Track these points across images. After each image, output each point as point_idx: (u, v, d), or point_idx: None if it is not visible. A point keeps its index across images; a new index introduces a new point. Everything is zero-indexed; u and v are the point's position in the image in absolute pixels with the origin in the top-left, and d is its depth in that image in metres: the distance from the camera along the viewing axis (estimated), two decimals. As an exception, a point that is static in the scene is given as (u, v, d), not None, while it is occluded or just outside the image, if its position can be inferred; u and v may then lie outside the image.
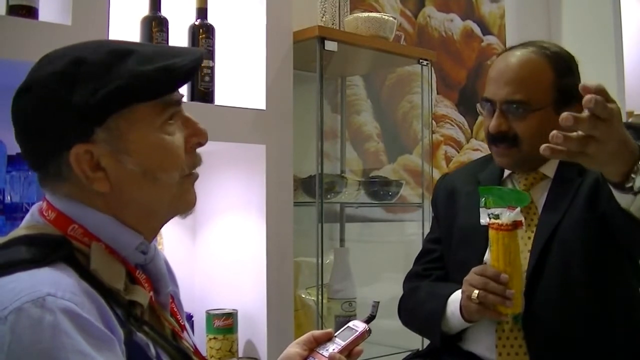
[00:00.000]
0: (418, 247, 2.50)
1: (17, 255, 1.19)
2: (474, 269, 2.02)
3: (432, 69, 3.37)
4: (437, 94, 4.03)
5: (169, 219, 1.41)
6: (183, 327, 1.49)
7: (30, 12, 2.07)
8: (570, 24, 4.74)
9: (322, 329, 2.72)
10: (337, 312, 2.94)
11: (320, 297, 2.83)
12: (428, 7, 4.04)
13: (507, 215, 1.94)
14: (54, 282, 1.12)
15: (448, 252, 2.32)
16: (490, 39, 4.44)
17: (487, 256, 2.03)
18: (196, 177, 1.42)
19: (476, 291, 1.97)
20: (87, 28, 2.11)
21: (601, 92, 1.48)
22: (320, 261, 2.81)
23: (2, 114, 2.15)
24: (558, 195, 2.13)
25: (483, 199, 2.03)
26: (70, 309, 1.09)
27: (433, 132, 3.76)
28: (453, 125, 4.14)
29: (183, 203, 1.39)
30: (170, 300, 1.48)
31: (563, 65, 2.15)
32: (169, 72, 1.29)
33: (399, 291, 2.40)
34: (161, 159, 1.31)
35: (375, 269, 3.51)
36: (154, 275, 1.40)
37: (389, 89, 3.78)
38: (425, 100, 3.39)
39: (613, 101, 1.52)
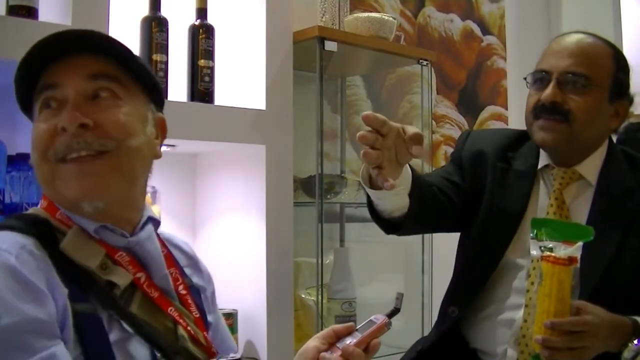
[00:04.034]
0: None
1: (5, 222, 1.38)
2: None
3: (432, 69, 3.37)
4: (437, 94, 4.03)
5: (80, 207, 1.41)
6: (198, 320, 1.53)
7: (30, 12, 2.07)
8: (570, 24, 4.73)
9: (321, 329, 2.72)
10: (337, 312, 2.93)
11: (320, 297, 2.83)
12: (428, 7, 4.04)
13: (564, 250, 1.81)
14: (4, 239, 1.29)
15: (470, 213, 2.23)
16: (490, 39, 4.44)
17: (535, 289, 1.92)
18: (69, 168, 1.38)
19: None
20: (87, 28, 2.11)
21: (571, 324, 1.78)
22: (320, 261, 2.81)
23: (2, 114, 2.16)
24: (606, 216, 2.05)
25: (534, 231, 1.88)
26: (5, 258, 1.24)
27: (433, 132, 3.76)
28: (453, 126, 4.14)
29: (61, 191, 1.40)
30: (185, 292, 1.55)
31: (623, 60, 2.14)
32: (17, 72, 1.42)
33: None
34: (31, 141, 1.42)
35: (375, 269, 3.51)
36: (142, 258, 1.46)
37: (389, 89, 3.78)
38: (425, 101, 3.38)
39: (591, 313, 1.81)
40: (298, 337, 2.73)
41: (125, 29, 2.40)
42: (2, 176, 2.05)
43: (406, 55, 3.33)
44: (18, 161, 2.09)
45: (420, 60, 3.31)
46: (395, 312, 1.54)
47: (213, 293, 1.75)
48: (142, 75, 1.49)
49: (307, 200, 2.95)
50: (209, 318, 1.66)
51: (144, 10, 2.45)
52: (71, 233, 1.38)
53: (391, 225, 2.07)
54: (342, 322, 2.80)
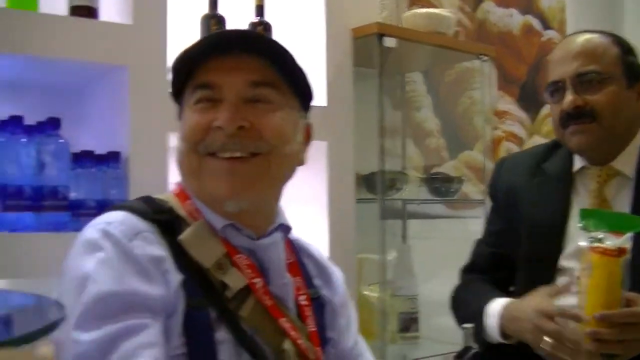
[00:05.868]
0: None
1: (131, 204, 1.41)
2: (547, 310, 1.87)
3: (492, 64, 3.34)
4: (498, 89, 3.99)
5: (222, 205, 1.40)
6: (312, 334, 1.48)
7: (91, 12, 2.10)
8: (632, 17, 4.66)
9: (384, 325, 2.71)
10: (400, 309, 2.92)
11: (383, 293, 2.82)
12: (487, 2, 4.00)
13: (613, 241, 1.77)
14: (122, 221, 1.33)
15: (511, 245, 2.22)
16: (550, 34, 4.38)
17: (584, 282, 1.84)
18: (220, 165, 1.39)
19: (547, 340, 1.83)
20: (147, 27, 2.14)
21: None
22: (383, 258, 2.80)
23: (68, 112, 2.19)
24: None
25: (583, 222, 1.84)
26: (117, 241, 1.29)
27: (495, 128, 3.73)
28: (514, 122, 4.09)
29: (207, 187, 1.41)
30: (306, 303, 1.50)
31: (626, 44, 2.11)
32: (177, 60, 1.43)
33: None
34: (182, 131, 1.43)
35: (437, 265, 3.48)
36: (263, 264, 1.44)
37: (449, 85, 3.76)
38: (485, 96, 3.36)
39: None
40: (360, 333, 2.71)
41: (185, 26, 2.42)
42: (67, 173, 2.08)
43: (465, 50, 3.32)
44: (82, 158, 2.11)
45: (480, 56, 3.29)
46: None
47: (343, 305, 1.65)
48: (299, 83, 1.48)
49: (369, 196, 2.94)
50: (330, 333, 1.59)
51: (203, 9, 2.48)
52: (194, 226, 1.38)
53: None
54: (404, 319, 2.79)
